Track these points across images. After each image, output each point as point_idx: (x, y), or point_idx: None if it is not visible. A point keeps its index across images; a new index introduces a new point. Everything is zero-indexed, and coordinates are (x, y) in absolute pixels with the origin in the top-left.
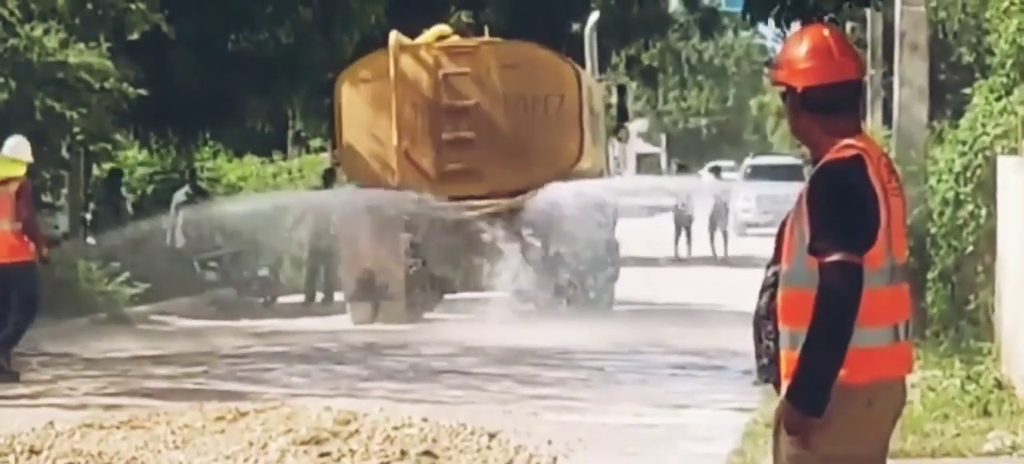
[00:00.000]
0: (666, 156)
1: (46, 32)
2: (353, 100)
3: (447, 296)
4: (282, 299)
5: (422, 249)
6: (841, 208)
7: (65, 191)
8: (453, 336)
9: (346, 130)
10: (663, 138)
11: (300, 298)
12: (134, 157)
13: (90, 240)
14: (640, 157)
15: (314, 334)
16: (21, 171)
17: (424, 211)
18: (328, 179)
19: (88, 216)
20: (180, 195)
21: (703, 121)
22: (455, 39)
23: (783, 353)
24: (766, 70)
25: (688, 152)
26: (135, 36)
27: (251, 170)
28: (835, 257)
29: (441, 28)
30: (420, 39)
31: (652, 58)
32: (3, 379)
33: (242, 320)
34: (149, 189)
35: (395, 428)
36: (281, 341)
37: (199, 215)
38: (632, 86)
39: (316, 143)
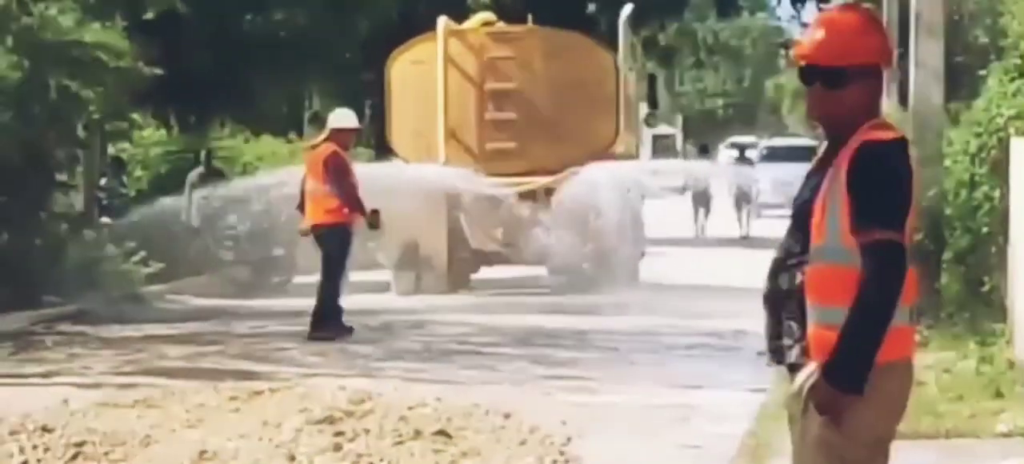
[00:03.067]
0: (682, 137)
1: (61, 12)
2: (402, 80)
3: (484, 268)
4: (298, 279)
5: (464, 222)
6: (890, 188)
7: (81, 170)
8: (477, 313)
9: (395, 108)
10: (679, 119)
11: (315, 277)
12: (150, 136)
13: (104, 219)
14: (656, 138)
15: None
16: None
17: (466, 187)
18: None
19: (103, 196)
20: (195, 174)
21: (719, 102)
22: (501, 26)
23: (811, 330)
24: (782, 51)
25: (703, 133)
26: (150, 15)
27: (267, 150)
28: (885, 235)
29: (486, 15)
30: (467, 25)
31: (668, 39)
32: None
33: (257, 299)
34: (164, 169)
35: (409, 408)
36: (296, 321)
37: (215, 193)
38: (649, 66)
39: None
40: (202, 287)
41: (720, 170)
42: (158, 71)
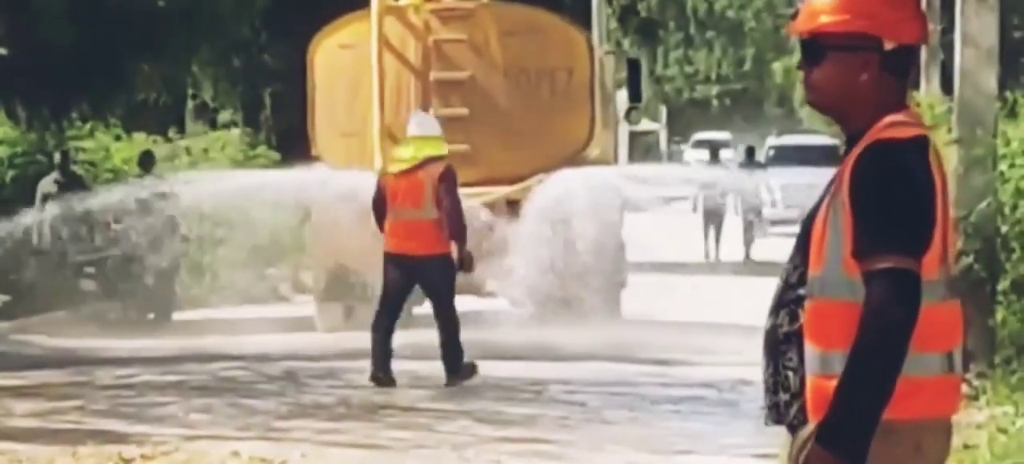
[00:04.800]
0: (667, 134)
1: None
2: (328, 69)
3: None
4: (178, 315)
5: None
6: (898, 200)
7: None
8: (409, 357)
9: (320, 104)
10: (663, 111)
11: (201, 313)
12: None
13: None
14: (634, 136)
15: (218, 358)
16: (444, 150)
17: None
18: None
19: None
20: (48, 183)
21: (713, 90)
22: (448, 0)
23: (809, 380)
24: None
25: (693, 129)
26: None
27: (141, 150)
28: (889, 263)
29: None
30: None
31: (650, 10)
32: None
33: (127, 341)
34: (9, 175)
35: None
36: (177, 368)
37: (73, 208)
38: (627, 45)
39: (225, 116)
40: (57, 326)
41: (732, 178)
42: (1, 51)
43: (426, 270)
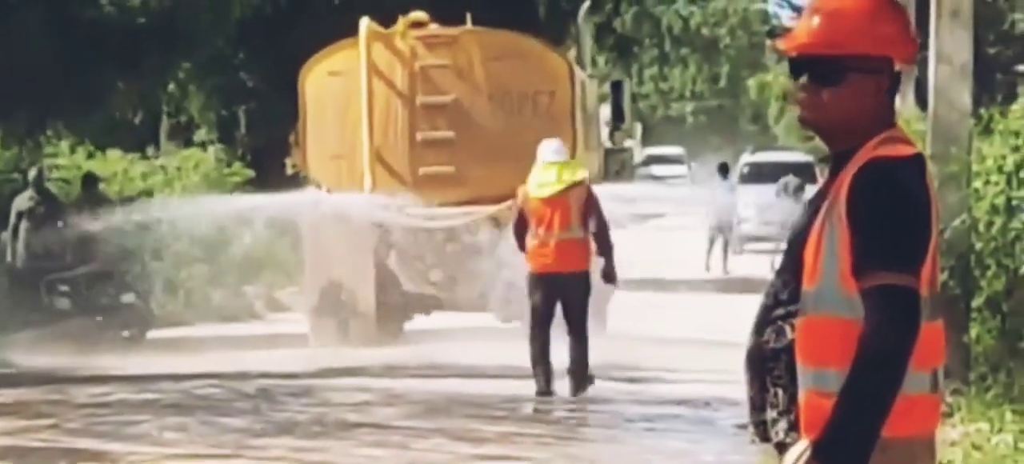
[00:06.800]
0: (641, 150)
1: None
2: (318, 95)
3: (419, 316)
4: (153, 333)
5: (394, 261)
6: (899, 217)
7: None
8: (384, 375)
9: (311, 128)
10: (638, 128)
11: (176, 331)
12: None
13: None
14: (609, 153)
15: (193, 377)
16: (585, 174)
17: (396, 219)
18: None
19: None
20: (23, 200)
21: (688, 107)
22: (433, 27)
23: (804, 397)
24: (768, 42)
25: (667, 146)
26: None
27: (116, 168)
28: (894, 279)
29: (417, 14)
30: (394, 27)
31: (625, 26)
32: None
33: (102, 359)
34: None
35: None
36: (152, 386)
37: (48, 226)
38: (602, 62)
39: (201, 135)
40: (32, 344)
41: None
42: None
43: (569, 286)
